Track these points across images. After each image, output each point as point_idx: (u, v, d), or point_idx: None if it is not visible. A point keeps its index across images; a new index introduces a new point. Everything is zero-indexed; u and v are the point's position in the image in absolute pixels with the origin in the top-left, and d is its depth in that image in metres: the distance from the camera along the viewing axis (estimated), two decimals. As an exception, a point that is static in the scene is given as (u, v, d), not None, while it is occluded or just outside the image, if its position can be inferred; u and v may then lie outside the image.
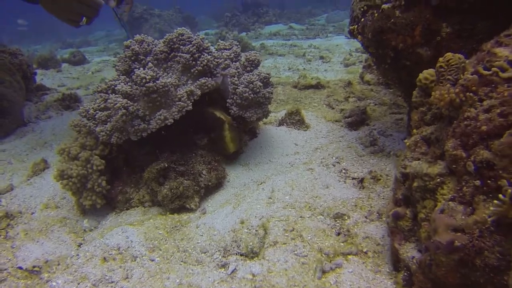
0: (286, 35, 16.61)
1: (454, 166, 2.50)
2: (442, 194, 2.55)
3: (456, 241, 2.27)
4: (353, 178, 4.18)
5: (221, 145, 4.64)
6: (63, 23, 4.72)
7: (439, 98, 2.73)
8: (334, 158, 4.61)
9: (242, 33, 17.97)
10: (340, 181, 4.17)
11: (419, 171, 2.69)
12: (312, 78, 7.50)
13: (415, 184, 2.71)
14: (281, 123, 5.71)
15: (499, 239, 2.11)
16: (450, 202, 2.43)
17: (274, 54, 11.84)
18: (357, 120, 5.41)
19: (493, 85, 2.51)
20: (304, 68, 9.46)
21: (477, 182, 2.30)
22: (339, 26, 18.04)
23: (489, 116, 2.38)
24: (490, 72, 2.55)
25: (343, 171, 4.31)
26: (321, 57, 10.70)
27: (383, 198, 3.79)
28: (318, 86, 7.17)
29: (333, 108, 6.18)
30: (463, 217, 2.32)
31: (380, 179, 4.09)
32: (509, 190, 2.00)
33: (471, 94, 2.57)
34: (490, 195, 2.20)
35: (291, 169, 4.54)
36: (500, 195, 2.04)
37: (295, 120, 5.57)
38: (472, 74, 2.66)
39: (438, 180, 2.59)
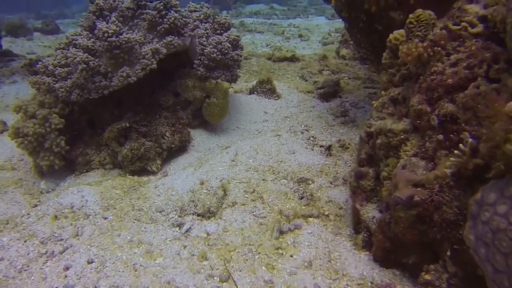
0: (267, 14, 16.37)
1: (418, 121, 2.40)
2: (405, 150, 2.46)
3: (416, 196, 2.18)
4: (321, 146, 4.08)
5: (212, 110, 4.46)
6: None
7: (407, 53, 2.62)
8: (303, 126, 4.50)
9: (223, 11, 17.65)
10: (307, 148, 4.06)
11: (383, 127, 2.59)
12: (287, 51, 7.36)
13: (378, 141, 2.61)
14: (251, 91, 5.57)
15: (458, 194, 2.03)
16: (412, 158, 2.34)
17: (253, 31, 11.64)
18: (329, 92, 5.31)
19: (461, 40, 2.41)
20: (281, 45, 9.30)
21: (440, 137, 2.21)
22: (321, 8, 17.84)
23: (456, 70, 2.28)
24: (459, 27, 2.45)
25: (311, 138, 4.21)
26: (300, 36, 10.56)
27: (350, 166, 3.70)
28: (292, 59, 7.03)
29: (306, 80, 6.06)
30: (424, 172, 2.23)
31: (348, 148, 4.00)
32: (470, 140, 1.92)
33: (439, 48, 2.47)
34: (452, 150, 2.11)
35: (258, 136, 4.41)
36: (461, 145, 1.95)
37: (266, 88, 5.43)
38: (441, 30, 2.56)
39: (402, 136, 2.49)
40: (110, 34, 3.77)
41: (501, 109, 1.65)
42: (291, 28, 11.88)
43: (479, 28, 2.37)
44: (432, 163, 2.24)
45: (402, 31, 3.07)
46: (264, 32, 11.36)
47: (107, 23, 4.06)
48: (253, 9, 18.11)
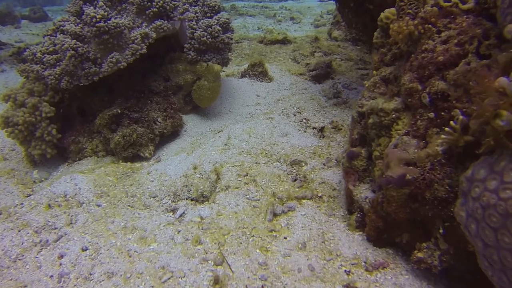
0: (258, -3, 16.17)
1: (409, 99, 2.39)
2: (397, 129, 2.45)
3: (408, 175, 2.18)
4: (313, 128, 4.07)
5: (203, 93, 4.39)
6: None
7: (398, 31, 2.60)
8: (295, 108, 4.48)
9: (213, -5, 17.42)
10: (300, 130, 4.05)
11: (374, 107, 2.57)
12: (278, 33, 7.29)
13: (370, 120, 2.60)
14: (243, 75, 5.53)
15: (449, 171, 2.03)
16: (404, 137, 2.33)
17: (244, 14, 11.51)
18: (321, 74, 5.28)
19: (452, 17, 2.39)
20: (273, 28, 9.21)
21: (431, 115, 2.21)
22: (313, -11, 17.67)
23: (446, 47, 2.26)
24: (450, 4, 2.43)
25: (304, 120, 4.20)
26: (292, 18, 10.46)
27: (343, 147, 3.70)
28: (284, 41, 6.98)
29: (298, 62, 6.02)
30: (415, 150, 2.22)
31: (341, 129, 3.99)
32: (460, 117, 1.91)
33: (430, 25, 2.44)
34: (443, 127, 2.10)
35: (250, 119, 4.39)
36: (452, 122, 1.94)
37: (257, 72, 5.39)
38: (432, 7, 2.53)
39: (394, 115, 2.48)
40: (98, 19, 3.71)
41: (490, 85, 1.64)
42: (283, 11, 11.76)
43: (470, 4, 2.34)
44: (423, 141, 2.23)
45: (393, 9, 3.04)
46: (255, 16, 11.24)
47: (94, 8, 3.99)
48: (244, -8, 17.89)
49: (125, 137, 3.85)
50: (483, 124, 1.71)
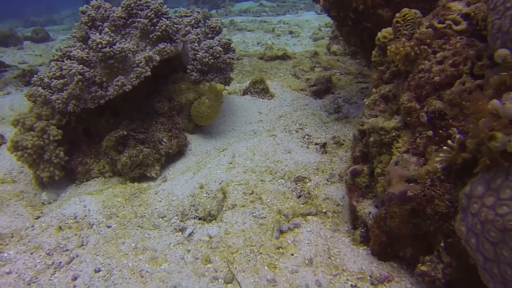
0: (256, 11, 16.39)
1: (408, 118, 2.49)
2: (397, 147, 2.54)
3: (409, 191, 2.26)
4: (316, 144, 4.16)
5: (202, 111, 4.49)
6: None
7: (395, 52, 2.70)
8: (297, 124, 4.58)
9: (212, 10, 17.67)
10: (303, 146, 4.14)
11: (375, 125, 2.67)
12: (278, 49, 7.42)
13: (371, 139, 2.69)
14: (245, 92, 5.64)
15: (449, 187, 2.11)
16: (404, 154, 2.42)
17: (243, 29, 11.67)
18: (322, 89, 5.38)
19: (446, 38, 2.49)
20: (272, 43, 9.35)
21: (430, 133, 2.30)
22: (310, 2, 17.84)
23: (442, 67, 2.36)
24: (444, 25, 2.54)
25: (306, 137, 4.29)
26: (291, 32, 10.61)
27: (345, 162, 3.78)
28: (284, 57, 7.11)
29: (298, 78, 6.13)
30: (416, 167, 2.31)
31: (343, 144, 4.08)
32: (457, 136, 2.00)
33: (425, 46, 2.55)
34: (442, 145, 2.19)
35: (253, 136, 4.48)
36: (449, 141, 2.03)
37: (259, 89, 5.51)
38: (427, 28, 2.64)
39: (394, 133, 2.57)
40: (104, 45, 3.82)
41: (484, 107, 1.73)
42: (281, 25, 11.93)
43: (463, 25, 2.45)
44: (423, 158, 2.32)
45: (389, 29, 3.14)
46: (254, 30, 11.40)
47: (100, 33, 4.11)
48: (242, 7, 18.12)
49: (131, 158, 3.94)
50: (479, 144, 1.79)
